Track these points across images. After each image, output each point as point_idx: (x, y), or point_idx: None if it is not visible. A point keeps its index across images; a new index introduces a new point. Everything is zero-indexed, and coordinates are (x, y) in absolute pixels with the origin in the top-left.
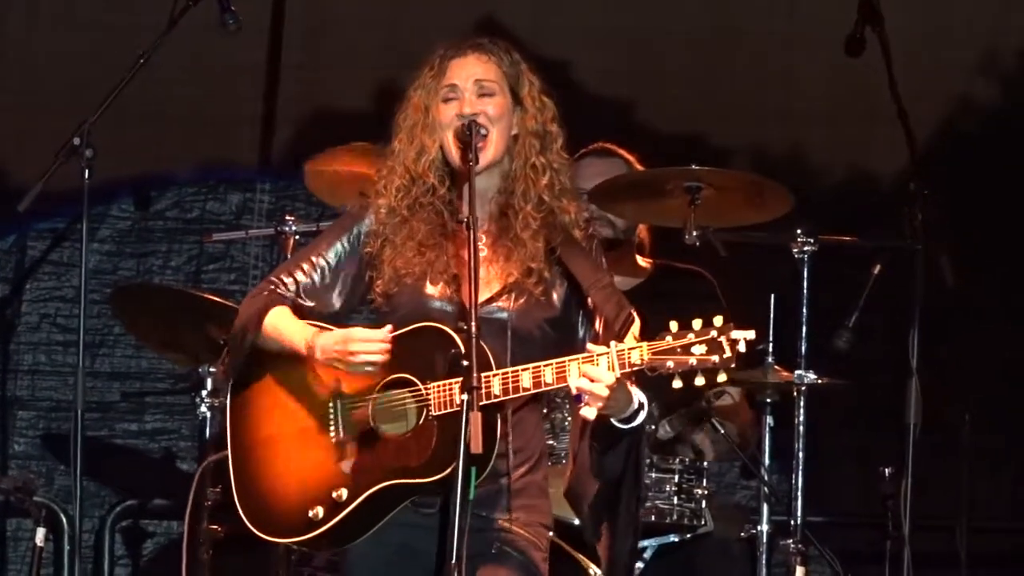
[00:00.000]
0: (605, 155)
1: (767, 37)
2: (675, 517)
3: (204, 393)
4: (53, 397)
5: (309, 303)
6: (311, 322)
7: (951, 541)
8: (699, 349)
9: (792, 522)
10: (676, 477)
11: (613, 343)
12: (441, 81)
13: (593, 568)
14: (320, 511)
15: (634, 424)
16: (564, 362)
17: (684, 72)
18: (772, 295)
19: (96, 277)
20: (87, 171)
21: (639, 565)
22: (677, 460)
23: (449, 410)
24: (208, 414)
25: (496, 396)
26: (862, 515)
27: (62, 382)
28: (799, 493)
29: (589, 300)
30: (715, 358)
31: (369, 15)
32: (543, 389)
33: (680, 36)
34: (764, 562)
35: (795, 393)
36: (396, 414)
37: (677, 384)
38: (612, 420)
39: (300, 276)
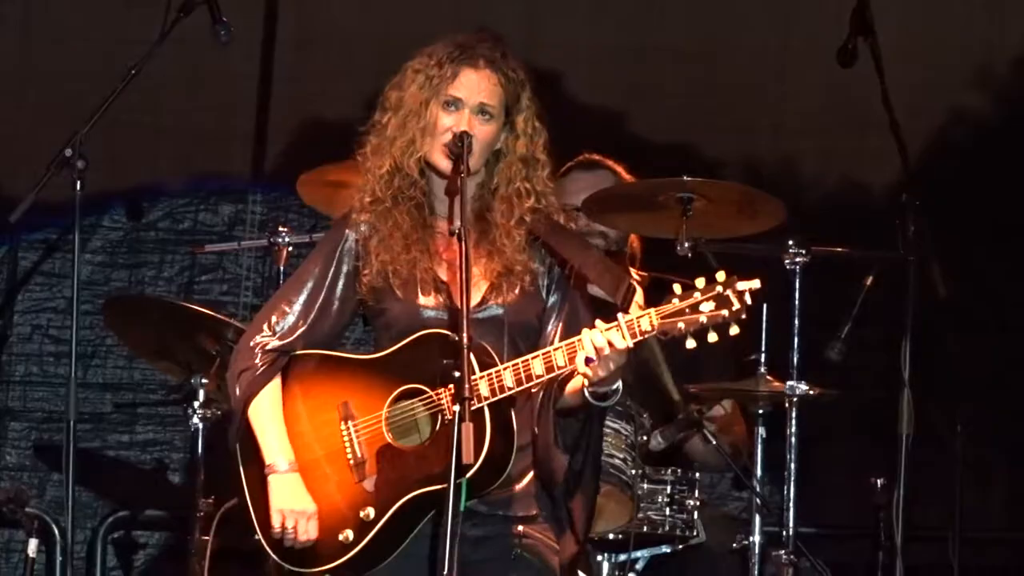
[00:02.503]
0: (592, 168)
1: (759, 49)
2: (667, 528)
3: (196, 404)
4: (45, 408)
5: (300, 348)
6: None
7: (944, 552)
8: (707, 306)
9: (784, 533)
10: (668, 488)
11: (620, 315)
12: (447, 84)
13: None
14: (350, 534)
15: (607, 403)
16: (573, 343)
17: (676, 83)
18: (764, 306)
19: (88, 288)
20: (79, 182)
21: None
22: (669, 471)
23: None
24: (200, 425)
25: (509, 388)
26: (854, 526)
27: (54, 393)
28: (791, 504)
29: (585, 273)
30: (724, 312)
31: (361, 27)
32: (555, 374)
33: (672, 48)
34: (756, 573)
35: (787, 404)
36: (410, 425)
37: (691, 344)
38: (589, 397)
39: (288, 322)
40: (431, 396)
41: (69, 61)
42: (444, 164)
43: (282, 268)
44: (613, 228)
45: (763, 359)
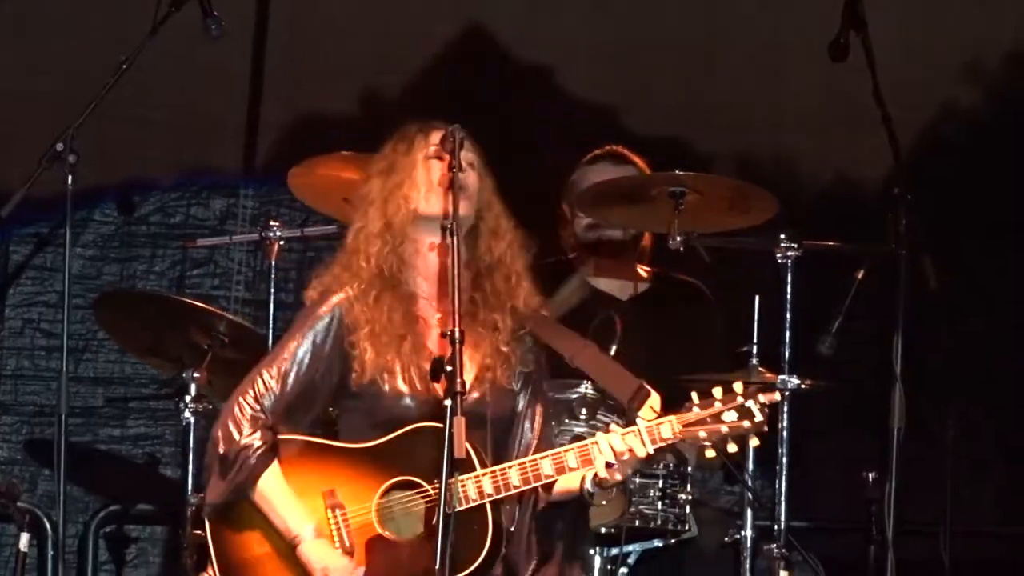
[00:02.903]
0: (619, 161)
1: (752, 43)
2: (659, 522)
3: (187, 399)
4: (36, 402)
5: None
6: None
7: (935, 546)
8: (729, 416)
9: (776, 527)
10: (660, 482)
11: (640, 420)
12: (423, 145)
13: None
14: None
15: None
16: (586, 446)
17: (669, 78)
18: (756, 299)
19: (80, 282)
20: (70, 177)
21: (623, 570)
22: (661, 465)
23: (465, 506)
24: (191, 419)
25: (515, 486)
26: (846, 520)
27: (45, 387)
28: (783, 498)
29: (577, 364)
30: (746, 423)
31: (353, 21)
32: (564, 475)
33: (665, 42)
34: (748, 567)
35: (778, 397)
36: (404, 517)
37: (710, 454)
38: (592, 490)
39: (272, 401)
40: (427, 489)
41: (60, 55)
42: (437, 207)
43: (273, 262)
44: (606, 222)
45: (755, 352)
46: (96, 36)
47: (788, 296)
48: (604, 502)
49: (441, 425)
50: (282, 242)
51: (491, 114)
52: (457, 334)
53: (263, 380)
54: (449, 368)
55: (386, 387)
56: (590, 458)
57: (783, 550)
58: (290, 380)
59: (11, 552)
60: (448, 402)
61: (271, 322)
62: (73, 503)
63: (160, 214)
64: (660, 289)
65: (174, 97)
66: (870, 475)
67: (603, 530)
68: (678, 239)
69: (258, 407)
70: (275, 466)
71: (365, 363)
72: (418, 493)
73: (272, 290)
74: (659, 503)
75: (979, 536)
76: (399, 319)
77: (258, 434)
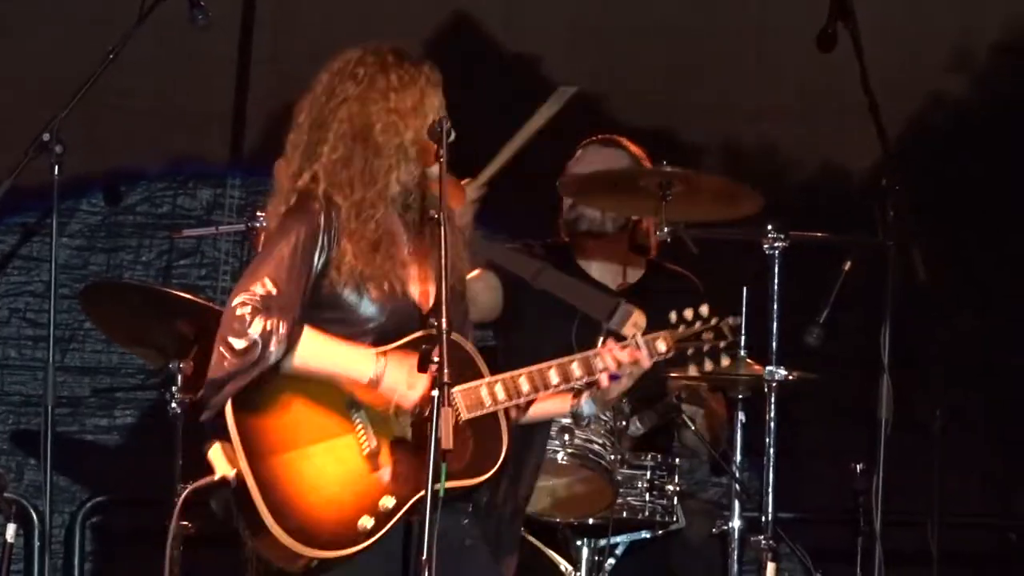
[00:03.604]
0: (607, 144)
1: (738, 32)
2: (647, 514)
3: (174, 389)
4: (23, 392)
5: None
6: (367, 350)
7: (923, 537)
8: (707, 335)
9: (763, 518)
10: (648, 474)
11: (637, 335)
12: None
13: (565, 565)
14: (370, 522)
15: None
16: (588, 356)
17: (655, 68)
18: (744, 290)
19: (66, 272)
20: (57, 167)
21: (611, 561)
22: (649, 457)
23: (479, 412)
24: (178, 411)
25: (525, 393)
26: (833, 511)
27: (32, 377)
28: (770, 489)
29: (541, 286)
30: (721, 343)
31: (340, 10)
32: (568, 385)
33: (651, 31)
34: (736, 558)
35: (766, 389)
36: (421, 421)
37: (693, 372)
38: (575, 414)
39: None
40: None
41: (47, 45)
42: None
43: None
44: (594, 210)
45: (742, 344)
46: (83, 26)
47: (775, 287)
48: (591, 425)
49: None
50: None
51: (477, 103)
52: (444, 325)
53: (263, 277)
54: (436, 360)
55: (373, 298)
56: (593, 369)
57: (771, 541)
58: (284, 275)
59: None
60: (436, 393)
61: None
62: (59, 493)
63: (147, 204)
64: (651, 279)
65: (161, 87)
66: (858, 466)
67: (590, 521)
68: (665, 230)
69: (265, 293)
70: (308, 330)
71: (348, 276)
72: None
73: None
74: (647, 495)
75: (967, 527)
76: (382, 233)
77: (278, 319)
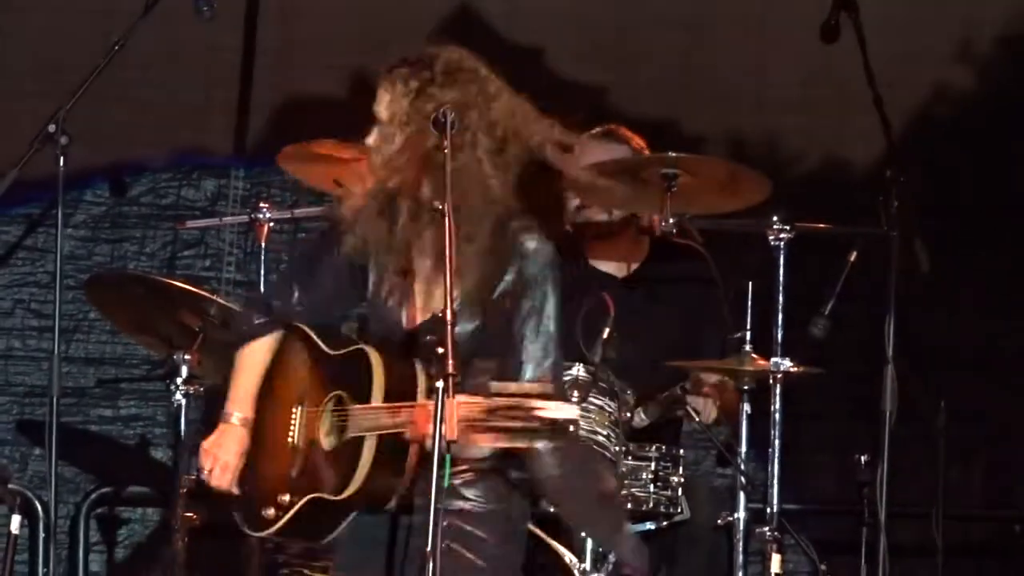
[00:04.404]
0: (608, 137)
1: (742, 23)
2: (651, 505)
3: (179, 380)
4: (27, 383)
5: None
6: (241, 387)
7: (927, 529)
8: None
9: (768, 510)
10: (652, 465)
11: None
12: None
13: (570, 557)
14: (271, 511)
15: None
16: None
17: (658, 58)
18: (749, 282)
19: (71, 263)
20: (62, 158)
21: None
22: (653, 448)
23: (356, 435)
24: (183, 401)
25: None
26: (838, 503)
27: (36, 368)
28: (775, 481)
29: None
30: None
31: (344, 2)
32: None
33: (654, 22)
34: (740, 550)
35: (771, 381)
36: (333, 429)
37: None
38: None
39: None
40: (346, 410)
41: (52, 36)
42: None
43: (263, 244)
44: (597, 204)
45: (748, 336)
46: (88, 17)
47: (780, 278)
48: None
49: (371, 352)
50: (272, 224)
51: None
52: (449, 316)
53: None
54: (440, 350)
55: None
56: None
57: (775, 533)
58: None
59: (3, 534)
60: (440, 384)
61: None
62: (64, 484)
63: (151, 195)
64: (658, 263)
65: (166, 79)
66: (862, 458)
67: None
68: (670, 221)
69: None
70: (263, 342)
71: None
72: (342, 411)
73: (262, 271)
74: (651, 486)
75: (971, 519)
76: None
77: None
